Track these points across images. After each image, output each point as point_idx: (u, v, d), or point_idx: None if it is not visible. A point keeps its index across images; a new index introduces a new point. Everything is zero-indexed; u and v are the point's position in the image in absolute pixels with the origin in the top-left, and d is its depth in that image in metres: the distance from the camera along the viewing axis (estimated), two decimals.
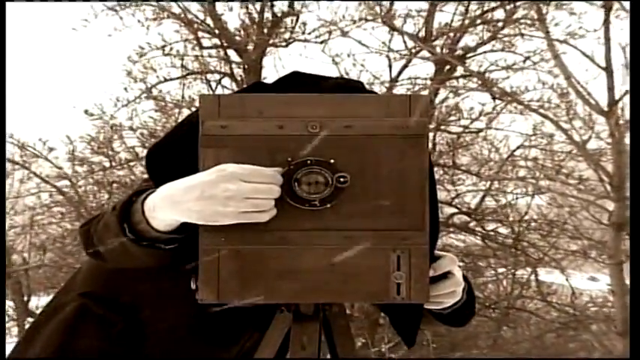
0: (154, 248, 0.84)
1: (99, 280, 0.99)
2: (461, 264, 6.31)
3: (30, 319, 5.51)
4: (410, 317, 0.99)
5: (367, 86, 1.05)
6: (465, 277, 1.01)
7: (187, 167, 0.83)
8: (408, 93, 5.71)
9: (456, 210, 5.98)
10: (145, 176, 1.03)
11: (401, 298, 0.83)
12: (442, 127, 5.88)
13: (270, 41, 5.91)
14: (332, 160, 0.82)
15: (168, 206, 0.81)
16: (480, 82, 5.73)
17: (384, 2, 5.45)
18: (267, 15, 5.76)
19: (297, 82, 0.96)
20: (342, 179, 0.82)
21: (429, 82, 5.89)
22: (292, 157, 0.82)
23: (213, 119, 0.83)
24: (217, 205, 0.78)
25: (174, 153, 0.89)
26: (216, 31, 5.85)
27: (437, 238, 0.96)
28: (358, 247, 0.83)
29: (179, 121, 1.02)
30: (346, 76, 5.30)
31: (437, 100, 5.82)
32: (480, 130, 5.99)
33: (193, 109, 6.09)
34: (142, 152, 5.94)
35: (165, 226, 0.83)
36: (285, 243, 0.83)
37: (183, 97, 5.98)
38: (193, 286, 0.85)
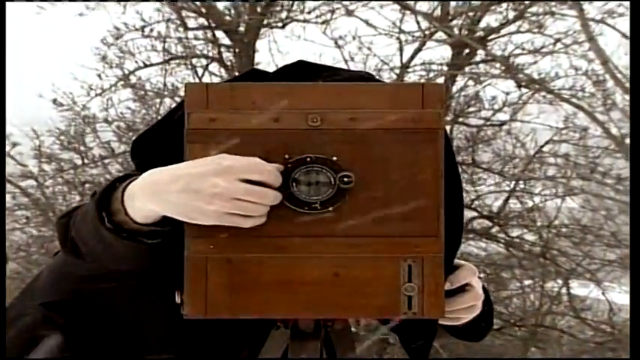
0: (135, 241, 0.85)
1: (64, 289, 0.97)
2: (482, 275, 6.30)
3: None
4: (422, 335, 1.00)
5: (375, 73, 1.06)
6: (482, 287, 1.02)
7: (178, 161, 0.83)
8: (421, 81, 5.74)
9: (476, 214, 5.98)
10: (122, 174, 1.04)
11: (412, 313, 0.84)
12: (460, 120, 5.88)
13: (265, 21, 5.91)
14: (335, 158, 0.83)
15: (148, 195, 0.82)
16: (503, 67, 5.73)
17: None
18: None
19: (300, 74, 0.96)
20: (345, 179, 0.83)
21: (445, 68, 5.89)
22: (290, 154, 0.83)
23: (200, 111, 0.83)
24: (200, 202, 0.79)
25: (164, 144, 0.90)
26: (203, 10, 5.86)
27: (459, 245, 0.97)
28: (364, 255, 0.84)
29: (171, 107, 1.02)
30: (357, 69, 5.28)
31: (454, 89, 5.83)
32: (504, 123, 5.99)
33: (177, 99, 6.10)
34: (119, 148, 5.96)
35: (143, 217, 0.84)
36: (282, 251, 0.84)
37: (165, 85, 5.98)
38: (178, 300, 0.86)
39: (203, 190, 0.79)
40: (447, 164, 0.84)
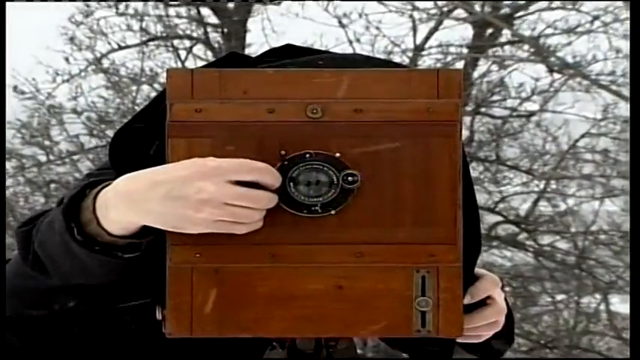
0: (109, 256, 0.86)
1: (19, 305, 0.96)
2: (507, 289, 6.30)
3: None
4: (437, 356, 1.01)
5: (384, 56, 1.06)
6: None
7: (162, 158, 0.84)
8: (437, 66, 5.73)
9: (500, 218, 5.99)
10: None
11: (427, 331, 0.85)
12: (482, 110, 5.90)
13: None
14: (338, 154, 0.84)
15: (125, 204, 0.83)
16: (532, 50, 5.74)
17: None
18: None
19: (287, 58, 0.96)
20: (350, 178, 0.83)
21: (465, 51, 5.90)
22: (286, 149, 0.83)
23: (184, 101, 0.84)
24: (187, 209, 0.80)
25: (147, 138, 0.90)
26: None
27: (478, 254, 0.97)
28: (371, 265, 0.84)
29: (150, 95, 1.02)
30: (358, 52, 5.25)
31: (475, 75, 5.84)
32: (533, 114, 6.01)
33: (156, 86, 6.10)
34: (89, 142, 5.97)
35: (120, 229, 0.84)
36: (278, 260, 0.84)
37: (142, 70, 6.00)
38: (158, 317, 0.87)
39: (189, 197, 0.79)
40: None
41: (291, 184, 0.83)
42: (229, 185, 0.80)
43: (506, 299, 1.06)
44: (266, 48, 1.03)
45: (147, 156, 0.88)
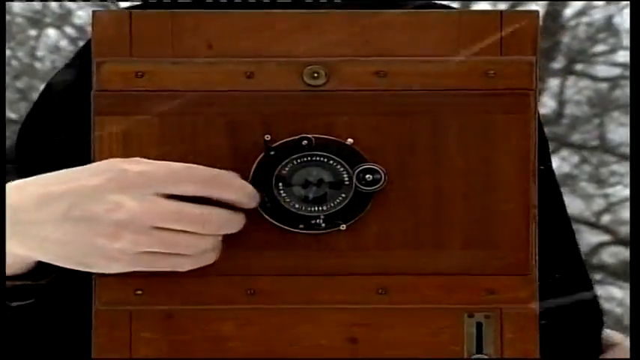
0: None
1: None
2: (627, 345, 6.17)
3: None
4: None
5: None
6: None
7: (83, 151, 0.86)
8: (501, 5, 5.67)
9: (606, 237, 5.98)
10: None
11: None
12: (578, 69, 5.89)
13: None
14: (350, 140, 0.85)
15: (8, 228, 0.83)
16: None
17: None
18: None
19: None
20: (368, 176, 0.85)
21: None
22: (273, 133, 0.85)
23: (118, 59, 0.85)
24: (96, 236, 0.80)
25: (62, 118, 0.91)
26: None
27: (590, 287, 1.01)
28: (401, 306, 0.86)
29: (80, 46, 1.02)
30: None
31: (568, 13, 5.83)
32: None
33: (69, 30, 6.09)
34: None
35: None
36: (260, 299, 0.86)
37: (46, 5, 6.00)
38: None
39: (99, 217, 0.79)
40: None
41: (281, 184, 0.85)
42: (160, 200, 0.80)
43: None
44: None
45: (71, 149, 0.89)
